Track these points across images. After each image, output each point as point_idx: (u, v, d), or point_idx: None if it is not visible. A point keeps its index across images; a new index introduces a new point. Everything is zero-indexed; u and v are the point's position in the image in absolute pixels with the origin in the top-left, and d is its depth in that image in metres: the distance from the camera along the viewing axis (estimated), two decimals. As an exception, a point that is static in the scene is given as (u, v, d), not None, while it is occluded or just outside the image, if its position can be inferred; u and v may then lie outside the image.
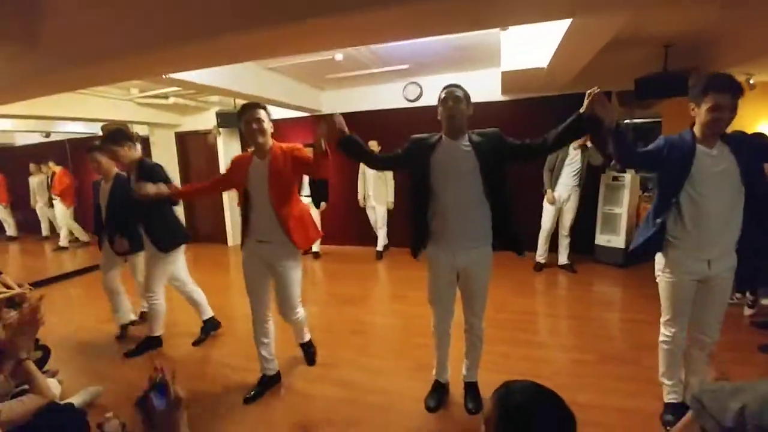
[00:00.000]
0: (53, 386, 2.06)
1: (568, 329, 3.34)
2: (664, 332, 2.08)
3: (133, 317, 3.55)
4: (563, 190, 4.56)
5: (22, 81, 2.76)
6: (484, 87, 5.28)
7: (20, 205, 7.58)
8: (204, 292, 3.39)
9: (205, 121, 6.70)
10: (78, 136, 6.92)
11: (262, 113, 2.31)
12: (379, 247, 5.76)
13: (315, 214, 5.63)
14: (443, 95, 2.04)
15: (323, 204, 5.69)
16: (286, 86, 5.21)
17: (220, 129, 6.46)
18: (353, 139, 2.20)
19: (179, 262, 3.19)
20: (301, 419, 2.31)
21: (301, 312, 2.63)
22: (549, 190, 4.61)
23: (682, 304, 1.98)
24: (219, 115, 6.14)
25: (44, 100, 4.28)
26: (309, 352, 2.91)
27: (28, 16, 2.42)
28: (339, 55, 4.26)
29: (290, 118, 6.35)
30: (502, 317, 3.47)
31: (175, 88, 5.23)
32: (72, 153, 6.83)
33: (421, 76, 5.59)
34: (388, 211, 5.65)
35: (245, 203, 2.40)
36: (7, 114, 4.66)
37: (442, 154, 2.04)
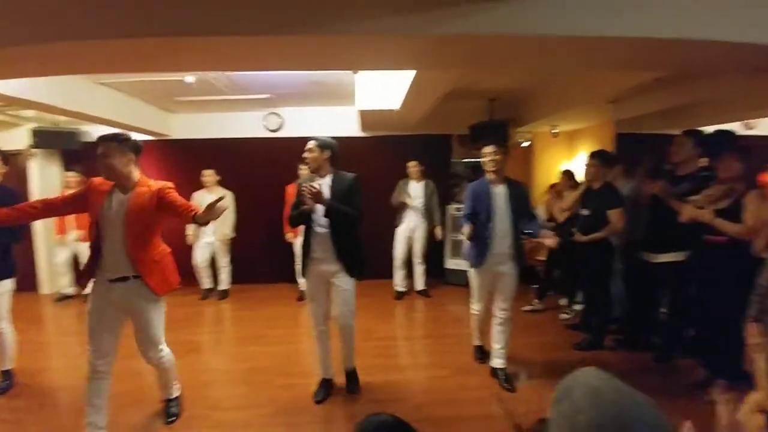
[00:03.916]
0: None
1: (425, 349, 3.59)
2: (473, 307, 3.11)
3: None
4: (411, 223, 4.88)
5: None
6: (346, 122, 5.55)
7: None
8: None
9: (16, 139, 5.43)
10: None
11: (112, 148, 2.05)
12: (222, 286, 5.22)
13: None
14: None
15: None
16: (124, 105, 4.58)
17: (36, 150, 5.33)
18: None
19: None
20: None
21: (166, 351, 2.38)
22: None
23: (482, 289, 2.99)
24: (36, 133, 5.07)
25: None
26: (171, 411, 2.51)
27: None
28: (189, 78, 3.95)
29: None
30: (368, 345, 3.54)
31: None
32: None
33: (283, 107, 5.58)
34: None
35: (96, 236, 2.12)
36: None
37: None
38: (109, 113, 4.30)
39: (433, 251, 5.27)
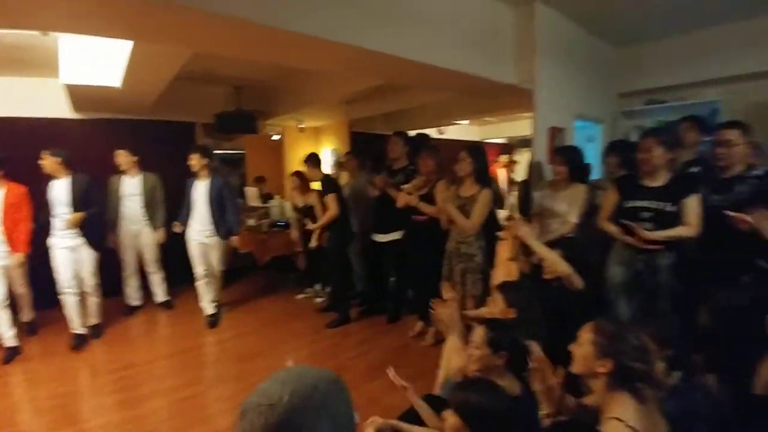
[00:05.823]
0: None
1: (173, 368, 3.12)
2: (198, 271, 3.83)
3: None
4: (130, 225, 3.99)
5: None
6: (49, 99, 4.20)
7: None
8: None
9: None
10: None
11: None
12: None
13: None
14: None
15: None
16: None
17: None
18: None
19: None
20: None
21: None
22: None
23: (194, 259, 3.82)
24: None
25: None
26: None
27: None
28: None
29: None
30: (98, 382, 2.88)
31: None
32: None
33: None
34: None
35: None
36: None
37: None
38: None
39: (183, 254, 4.68)
